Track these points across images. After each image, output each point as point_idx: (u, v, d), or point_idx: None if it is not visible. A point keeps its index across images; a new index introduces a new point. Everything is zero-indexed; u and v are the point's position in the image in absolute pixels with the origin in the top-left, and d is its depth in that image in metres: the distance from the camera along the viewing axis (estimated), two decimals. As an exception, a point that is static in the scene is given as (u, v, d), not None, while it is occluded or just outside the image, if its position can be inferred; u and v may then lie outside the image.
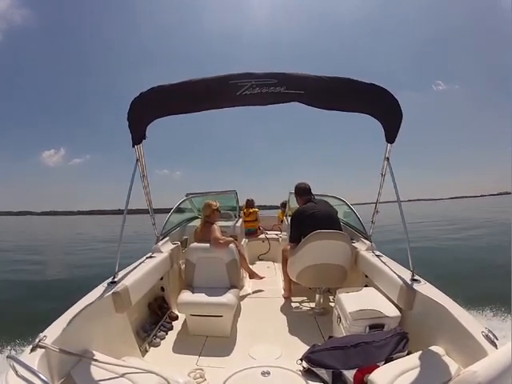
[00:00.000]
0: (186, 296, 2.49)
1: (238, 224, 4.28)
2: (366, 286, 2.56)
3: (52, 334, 1.38)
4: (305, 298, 3.14)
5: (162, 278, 2.77)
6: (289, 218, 3.56)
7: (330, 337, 2.05)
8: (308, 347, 1.74)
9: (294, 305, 3.06)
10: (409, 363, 1.38)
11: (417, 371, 1.31)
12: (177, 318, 2.71)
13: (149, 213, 2.80)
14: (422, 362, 1.38)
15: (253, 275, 3.58)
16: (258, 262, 4.82)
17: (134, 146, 2.21)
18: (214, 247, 2.77)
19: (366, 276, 2.65)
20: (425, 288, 1.87)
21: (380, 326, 1.82)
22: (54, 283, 7.01)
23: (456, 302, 1.65)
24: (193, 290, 2.60)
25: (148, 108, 2.07)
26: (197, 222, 3.69)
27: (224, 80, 1.93)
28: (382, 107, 2.09)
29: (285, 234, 4.05)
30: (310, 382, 1.50)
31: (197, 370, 1.88)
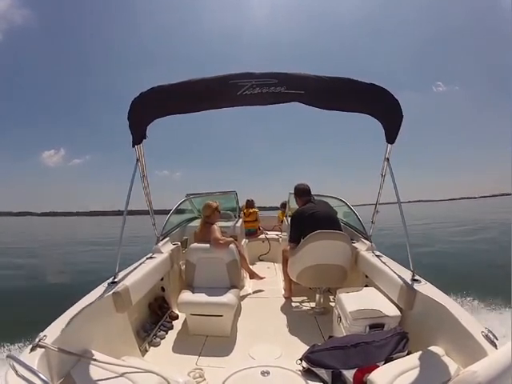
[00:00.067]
0: (187, 296, 2.49)
1: (238, 224, 4.28)
2: (366, 285, 2.56)
3: (52, 333, 1.38)
4: (305, 298, 3.14)
5: (162, 279, 2.77)
6: (289, 219, 3.56)
7: (330, 336, 2.05)
8: (308, 347, 1.74)
9: (294, 305, 3.07)
10: (409, 363, 1.38)
11: (417, 371, 1.31)
12: (177, 317, 2.72)
13: (149, 214, 2.81)
14: (422, 361, 1.38)
15: (253, 275, 3.58)
16: (258, 263, 4.82)
17: (134, 146, 2.21)
18: (214, 247, 2.77)
19: (366, 276, 2.65)
20: (425, 288, 1.87)
21: (380, 326, 1.82)
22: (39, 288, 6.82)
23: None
24: (193, 289, 2.60)
25: (148, 108, 2.07)
26: (197, 223, 3.69)
27: (224, 80, 1.93)
28: (382, 107, 2.09)
29: (285, 234, 4.06)
30: (309, 381, 1.50)
31: (196, 369, 1.88)
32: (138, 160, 2.26)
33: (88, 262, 10.22)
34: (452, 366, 1.34)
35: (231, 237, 3.19)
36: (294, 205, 3.44)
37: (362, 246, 2.94)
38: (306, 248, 2.67)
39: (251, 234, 5.30)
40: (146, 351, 2.19)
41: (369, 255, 2.68)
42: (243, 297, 3.17)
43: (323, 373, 1.53)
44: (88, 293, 1.86)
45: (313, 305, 2.95)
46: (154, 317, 2.56)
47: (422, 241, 11.49)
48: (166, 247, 3.00)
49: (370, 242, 2.91)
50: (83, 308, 1.64)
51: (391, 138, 2.19)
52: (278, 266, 4.12)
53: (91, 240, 18.10)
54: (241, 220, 4.65)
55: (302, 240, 2.74)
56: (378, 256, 2.62)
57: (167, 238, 3.16)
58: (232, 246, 2.83)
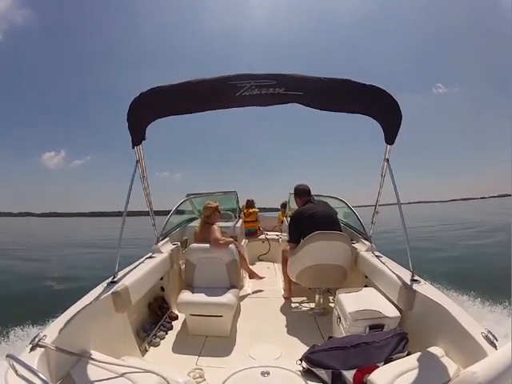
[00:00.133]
0: (186, 296, 2.49)
1: (238, 224, 4.28)
2: (365, 286, 2.56)
3: (52, 333, 1.38)
4: (305, 299, 3.14)
5: (161, 278, 2.77)
6: (289, 219, 3.55)
7: (330, 337, 2.05)
8: (308, 347, 1.74)
9: (293, 305, 3.06)
10: (408, 364, 1.38)
11: (416, 372, 1.31)
12: (177, 317, 2.72)
13: (149, 214, 2.81)
14: (422, 362, 1.38)
15: (253, 275, 3.58)
16: (257, 263, 4.82)
17: (133, 147, 2.21)
18: (214, 248, 2.77)
19: (366, 276, 2.65)
20: (425, 288, 1.87)
21: (380, 327, 1.82)
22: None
23: None
24: (193, 290, 2.60)
25: (148, 108, 2.07)
26: (197, 223, 3.70)
27: (223, 81, 1.94)
28: (382, 108, 2.09)
29: (285, 234, 4.05)
30: (309, 382, 1.50)
31: (196, 369, 1.88)
32: (137, 161, 2.26)
33: (85, 264, 10.10)
34: (452, 366, 1.34)
35: (231, 237, 3.19)
36: (294, 205, 3.45)
37: (361, 247, 2.94)
38: (305, 248, 2.67)
39: (251, 234, 5.31)
40: (146, 351, 2.19)
41: (368, 256, 2.68)
42: (243, 297, 3.17)
43: (323, 373, 1.53)
44: (87, 293, 1.85)
45: (312, 305, 2.95)
46: (154, 317, 2.56)
47: (434, 245, 11.02)
48: (166, 247, 3.00)
49: (370, 242, 2.91)
50: (83, 308, 1.64)
51: (390, 138, 2.19)
52: (278, 266, 4.12)
53: (91, 242, 18.00)
54: (241, 220, 4.65)
55: (301, 240, 2.74)
56: (377, 256, 2.62)
57: (167, 238, 3.16)
58: (232, 246, 2.83)
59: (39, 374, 1.01)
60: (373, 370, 1.39)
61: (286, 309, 2.96)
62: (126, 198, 2.23)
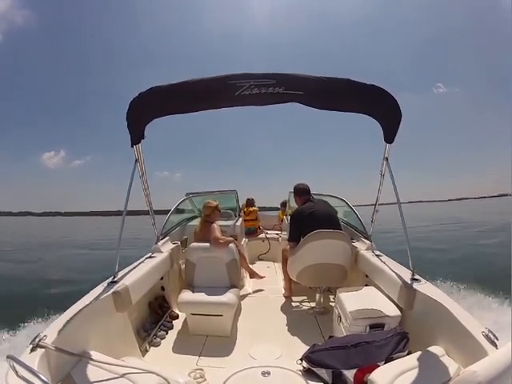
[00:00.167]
0: (187, 295, 2.49)
1: (238, 223, 4.28)
2: (366, 285, 2.56)
3: (52, 333, 1.38)
4: (305, 298, 3.14)
5: (162, 278, 2.77)
6: (289, 218, 3.55)
7: (331, 336, 2.05)
8: (308, 347, 1.74)
9: (294, 304, 3.07)
10: (409, 363, 1.38)
11: (417, 371, 1.31)
12: (177, 317, 2.72)
13: (149, 214, 2.80)
14: (422, 361, 1.38)
15: (253, 275, 3.58)
16: (257, 262, 4.82)
17: (132, 146, 2.20)
18: (214, 247, 2.77)
19: (367, 275, 2.65)
20: (425, 287, 1.87)
21: (380, 326, 1.82)
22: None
23: None
24: (193, 289, 2.60)
25: (147, 108, 2.07)
26: (197, 222, 3.69)
27: (223, 80, 1.93)
28: (382, 108, 2.08)
29: (285, 233, 4.05)
30: (310, 381, 1.50)
31: (197, 369, 1.88)
32: (136, 160, 2.26)
33: (83, 265, 10.05)
34: (452, 365, 1.34)
35: (231, 236, 3.19)
36: (294, 204, 3.45)
37: (361, 246, 2.94)
38: (305, 247, 2.66)
39: (251, 233, 5.30)
40: (147, 351, 2.19)
41: (369, 255, 2.68)
42: (243, 296, 3.17)
43: (324, 373, 1.53)
44: (88, 292, 1.85)
45: (313, 304, 2.95)
46: (154, 316, 2.56)
47: (432, 245, 10.92)
48: (166, 246, 3.00)
49: (370, 241, 2.91)
50: (83, 308, 1.63)
51: (390, 137, 2.19)
52: (278, 266, 4.12)
53: (91, 242, 17.96)
54: (241, 219, 4.65)
55: (301, 239, 2.74)
56: (377, 255, 2.62)
57: (167, 238, 3.16)
58: (232, 245, 2.83)
59: (40, 375, 1.01)
60: (373, 370, 1.39)
61: (286, 308, 2.96)
62: (126, 197, 2.23)
